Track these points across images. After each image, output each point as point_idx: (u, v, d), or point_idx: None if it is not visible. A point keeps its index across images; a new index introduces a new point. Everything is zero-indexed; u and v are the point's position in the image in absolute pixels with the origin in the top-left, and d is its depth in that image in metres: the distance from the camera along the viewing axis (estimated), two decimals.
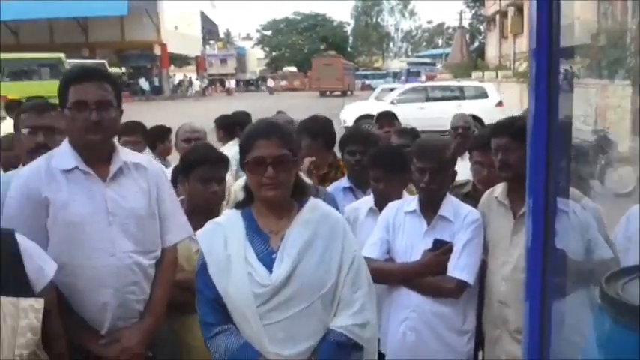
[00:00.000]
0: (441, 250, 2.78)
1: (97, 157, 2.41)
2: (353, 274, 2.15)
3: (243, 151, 2.15)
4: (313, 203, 2.24)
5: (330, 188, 3.61)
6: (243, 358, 2.05)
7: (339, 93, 40.61)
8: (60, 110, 2.41)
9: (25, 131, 2.68)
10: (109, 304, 2.35)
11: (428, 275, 2.78)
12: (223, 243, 2.14)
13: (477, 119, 17.41)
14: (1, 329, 1.53)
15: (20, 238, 2.01)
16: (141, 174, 2.51)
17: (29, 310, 1.58)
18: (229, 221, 2.21)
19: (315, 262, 2.10)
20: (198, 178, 2.88)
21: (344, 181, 3.69)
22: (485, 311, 2.84)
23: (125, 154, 2.51)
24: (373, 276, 2.30)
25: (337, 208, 3.24)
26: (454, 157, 2.93)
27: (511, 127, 2.74)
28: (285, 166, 2.11)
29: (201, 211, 2.87)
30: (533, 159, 1.31)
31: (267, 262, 2.11)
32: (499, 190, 2.85)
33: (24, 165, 2.59)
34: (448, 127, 5.39)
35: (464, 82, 19.79)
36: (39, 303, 1.61)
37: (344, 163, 3.78)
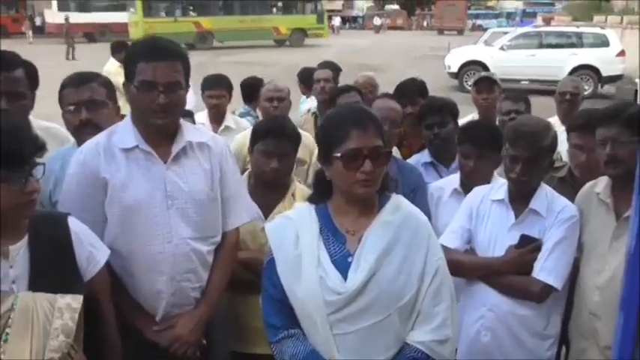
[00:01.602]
0: (528, 247, 2.51)
1: (159, 137, 2.30)
2: (435, 286, 1.93)
3: (332, 141, 1.89)
4: (396, 202, 2.00)
5: (410, 162, 3.38)
6: None
7: (455, 32, 42.20)
8: (126, 84, 2.26)
9: (69, 108, 2.57)
10: (164, 291, 2.29)
11: (510, 274, 2.52)
12: (294, 240, 1.95)
13: (594, 70, 16.40)
14: (33, 329, 1.48)
15: (72, 222, 1.97)
16: (204, 154, 2.38)
17: (65, 310, 1.53)
18: (301, 216, 2.01)
19: (395, 271, 1.89)
20: (260, 151, 2.74)
21: (424, 155, 3.46)
22: (574, 320, 2.57)
23: (190, 133, 2.37)
24: (450, 268, 2.06)
25: (424, 186, 3.05)
26: (553, 145, 2.59)
27: (622, 115, 2.37)
28: (382, 160, 1.88)
29: (263, 187, 2.77)
30: None
31: (342, 266, 1.90)
32: (602, 185, 2.51)
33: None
34: (559, 78, 4.97)
35: (582, 28, 18.25)
36: (76, 301, 1.55)
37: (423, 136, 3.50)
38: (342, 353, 1.88)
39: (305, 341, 1.93)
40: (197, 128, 2.49)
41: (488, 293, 2.56)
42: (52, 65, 12.01)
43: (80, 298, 1.56)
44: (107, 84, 2.64)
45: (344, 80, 5.40)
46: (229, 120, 4.72)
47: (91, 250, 1.98)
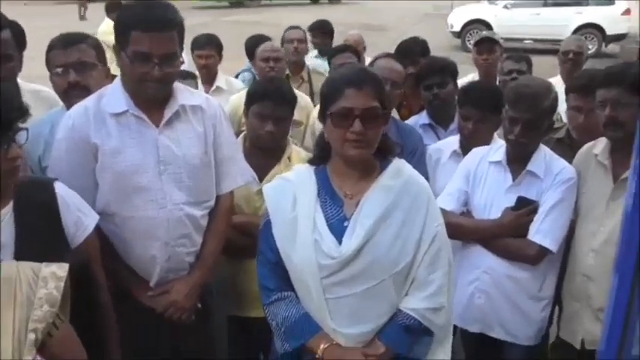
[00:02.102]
0: (525, 210, 2.49)
1: (151, 101, 2.23)
2: (432, 253, 1.88)
3: (327, 99, 1.86)
4: (397, 166, 1.95)
5: (408, 123, 3.33)
6: (301, 330, 1.88)
7: None
8: (116, 49, 2.16)
9: (56, 70, 2.47)
10: (158, 257, 2.27)
11: (506, 236, 2.51)
12: (292, 203, 1.91)
13: (598, 28, 16.13)
14: (16, 299, 1.45)
15: (59, 187, 1.92)
16: (197, 117, 2.32)
17: (49, 279, 1.49)
18: (300, 178, 1.96)
19: (391, 237, 1.84)
20: (255, 114, 2.68)
21: (423, 117, 3.40)
22: (567, 282, 2.56)
23: (183, 96, 2.30)
24: (446, 231, 2.01)
25: (423, 148, 3.01)
26: (553, 107, 2.53)
27: (624, 77, 2.32)
28: (375, 121, 1.82)
29: (258, 150, 2.72)
30: None
31: (338, 230, 1.86)
32: (600, 146, 2.47)
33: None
34: (563, 37, 4.87)
35: None
36: (62, 269, 1.51)
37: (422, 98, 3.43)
38: (335, 318, 1.86)
39: (298, 304, 1.92)
40: (190, 90, 2.42)
41: (483, 255, 2.55)
42: (60, 25, 11.78)
43: (66, 266, 1.53)
44: (96, 45, 2.56)
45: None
46: (221, 80, 4.65)
47: (79, 216, 1.95)
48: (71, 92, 2.44)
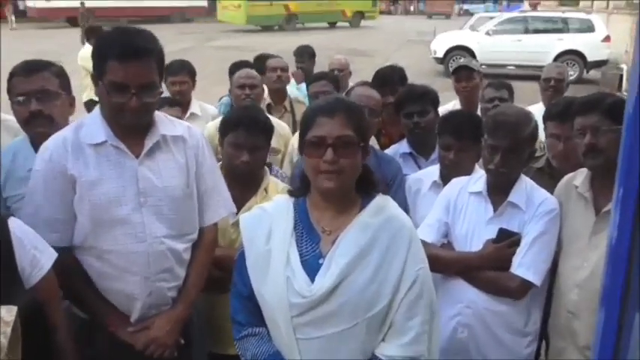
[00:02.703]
0: (507, 242, 2.42)
1: (131, 131, 2.16)
2: (412, 298, 1.77)
3: (303, 130, 1.82)
4: (380, 203, 1.86)
5: (388, 152, 3.27)
6: None
7: (443, 16, 43.35)
8: (94, 78, 2.12)
9: (17, 99, 2.40)
10: (138, 293, 2.19)
11: (488, 269, 2.44)
12: (266, 235, 1.83)
13: (580, 55, 16.35)
14: None
15: (14, 224, 1.84)
16: (179, 147, 2.26)
17: None
18: (278, 209, 1.88)
19: (367, 278, 1.74)
20: (230, 143, 2.63)
21: (403, 145, 3.34)
22: (552, 319, 2.49)
23: (164, 126, 2.24)
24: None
25: (402, 178, 2.95)
26: (534, 135, 2.49)
27: (602, 104, 2.29)
28: (349, 150, 1.74)
29: (234, 181, 2.64)
30: (631, 128, 1.01)
31: (313, 267, 1.78)
32: (580, 178, 2.42)
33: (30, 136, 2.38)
34: (545, 63, 4.90)
35: (568, 14, 18.19)
36: (10, 313, 1.41)
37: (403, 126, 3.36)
38: (305, 359, 1.77)
39: (269, 342, 1.84)
40: (172, 120, 2.36)
41: (465, 289, 2.47)
42: (63, 51, 11.68)
43: (14, 309, 1.43)
44: (60, 73, 2.49)
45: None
46: (195, 107, 4.58)
47: (35, 254, 1.86)
48: (33, 122, 2.37)
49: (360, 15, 33.42)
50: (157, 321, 2.22)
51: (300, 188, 1.92)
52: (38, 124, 2.35)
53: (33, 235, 1.90)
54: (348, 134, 1.75)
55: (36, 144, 2.37)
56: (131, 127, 2.14)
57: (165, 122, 2.28)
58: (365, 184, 1.87)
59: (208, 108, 4.72)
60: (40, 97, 2.38)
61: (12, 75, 2.43)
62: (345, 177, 1.77)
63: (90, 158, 2.12)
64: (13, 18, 31.13)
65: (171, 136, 2.25)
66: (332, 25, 32.35)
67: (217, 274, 2.53)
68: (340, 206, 1.84)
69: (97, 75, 2.08)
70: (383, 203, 1.88)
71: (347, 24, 32.62)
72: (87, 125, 2.17)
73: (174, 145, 2.25)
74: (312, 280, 1.76)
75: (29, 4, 33.06)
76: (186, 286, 2.29)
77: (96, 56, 2.09)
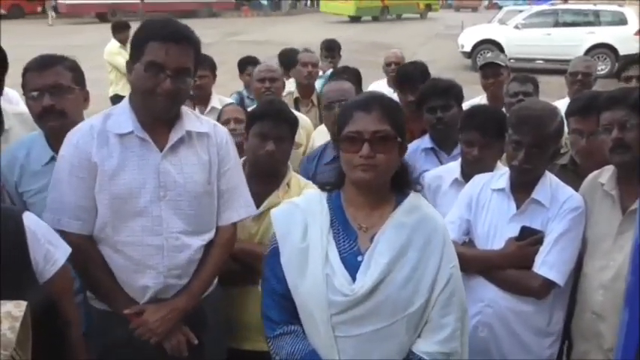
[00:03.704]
0: (529, 240, 2.37)
1: (157, 124, 2.17)
2: (446, 295, 1.80)
3: (339, 125, 1.83)
4: (413, 202, 1.87)
5: (409, 147, 3.21)
6: None
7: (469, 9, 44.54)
8: (129, 64, 2.15)
9: (31, 94, 2.41)
10: (150, 287, 2.19)
11: (510, 268, 2.39)
12: (302, 231, 1.83)
13: (611, 48, 16.03)
14: None
15: (28, 219, 1.84)
16: (203, 144, 2.26)
17: (4, 319, 1.38)
18: (311, 205, 1.88)
19: (406, 276, 1.77)
20: (256, 133, 2.62)
21: (425, 141, 3.29)
22: (576, 320, 2.43)
23: (190, 122, 2.25)
24: None
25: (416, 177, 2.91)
26: (559, 131, 2.43)
27: (629, 98, 2.23)
28: (386, 145, 1.76)
29: (258, 173, 2.64)
30: None
31: (352, 264, 1.78)
32: (606, 175, 2.36)
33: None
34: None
35: (600, 6, 17.82)
36: (19, 308, 1.41)
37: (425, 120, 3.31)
38: (344, 358, 1.77)
39: (304, 340, 1.83)
40: (198, 117, 2.37)
41: (486, 288, 2.43)
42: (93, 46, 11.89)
43: (24, 304, 1.43)
44: (74, 68, 2.50)
45: (362, 57, 5.41)
46: (215, 101, 4.56)
47: (49, 249, 1.87)
48: (46, 116, 2.39)
49: (428, 7, 37.10)
50: (151, 306, 2.20)
51: (334, 183, 1.91)
52: (51, 119, 2.37)
53: (47, 230, 1.91)
54: (385, 129, 1.77)
55: (50, 139, 2.39)
56: (159, 114, 2.15)
57: (192, 118, 2.29)
58: (400, 181, 1.88)
59: (228, 102, 4.73)
60: (54, 92, 2.39)
61: (26, 70, 2.45)
62: (380, 171, 1.78)
63: (114, 148, 2.14)
64: (53, 14, 31.54)
65: (197, 133, 2.25)
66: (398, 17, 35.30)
67: (236, 268, 2.54)
68: (375, 202, 1.85)
69: (134, 59, 2.10)
70: (416, 202, 1.90)
71: (416, 15, 36.15)
72: (115, 115, 2.20)
73: (199, 141, 2.26)
74: (353, 277, 1.77)
75: (60, 0, 33.51)
76: (193, 280, 2.26)
77: (136, 40, 2.12)
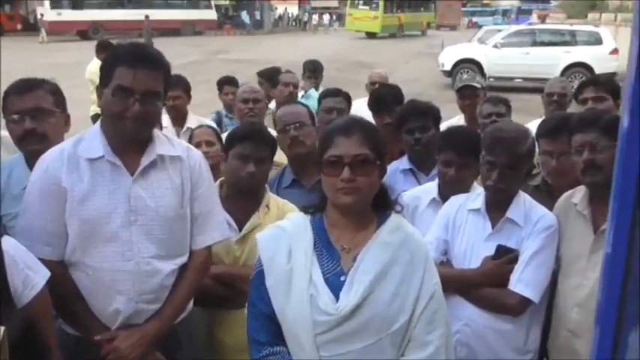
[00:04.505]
0: (505, 258, 2.41)
1: (128, 147, 2.18)
2: (430, 312, 1.83)
3: (321, 149, 1.86)
4: (396, 222, 1.91)
5: (388, 169, 3.26)
6: None
7: (448, 28, 48.03)
8: (99, 89, 2.17)
9: (12, 117, 2.42)
10: (121, 312, 2.18)
11: (487, 286, 2.43)
12: (287, 254, 1.85)
13: (587, 67, 16.31)
14: None
15: (7, 243, 1.85)
16: (176, 168, 2.26)
17: None
18: (296, 228, 1.90)
19: (390, 294, 1.79)
20: (236, 155, 2.62)
21: (403, 162, 3.33)
22: (552, 338, 2.47)
23: (162, 146, 2.25)
24: None
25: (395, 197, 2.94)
26: (531, 151, 2.49)
27: (600, 121, 2.29)
28: (366, 169, 1.79)
29: (238, 194, 2.65)
30: (627, 140, 1.00)
31: (335, 284, 1.81)
32: (579, 196, 2.42)
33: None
34: (553, 75, 4.92)
35: (576, 26, 18.21)
36: None
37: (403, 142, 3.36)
38: None
39: None
40: (171, 140, 2.37)
41: (464, 307, 2.46)
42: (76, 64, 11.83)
43: (1, 329, 1.44)
44: (55, 91, 2.52)
45: (344, 76, 5.43)
46: (191, 121, 4.55)
47: (28, 273, 1.87)
48: (26, 139, 2.39)
49: (428, 25, 42.87)
50: (123, 332, 2.18)
51: (317, 206, 1.94)
52: (31, 142, 2.37)
53: (26, 254, 1.90)
54: (365, 152, 1.80)
55: (30, 162, 2.39)
56: (129, 139, 2.15)
57: (164, 142, 2.29)
58: (380, 202, 1.91)
59: (204, 122, 4.72)
60: (35, 115, 2.40)
61: (7, 94, 2.46)
62: (362, 194, 1.81)
63: (84, 172, 2.14)
64: (45, 33, 31.25)
65: (169, 156, 2.26)
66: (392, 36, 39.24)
67: (221, 291, 2.54)
68: (357, 223, 1.87)
69: (104, 83, 2.11)
70: (398, 222, 1.92)
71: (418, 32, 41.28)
72: (86, 139, 2.20)
73: (172, 164, 2.26)
74: (336, 297, 1.79)
75: (42, 18, 33.29)
76: (166, 304, 2.26)
77: (105, 65, 2.13)
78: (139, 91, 2.07)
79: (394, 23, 38.70)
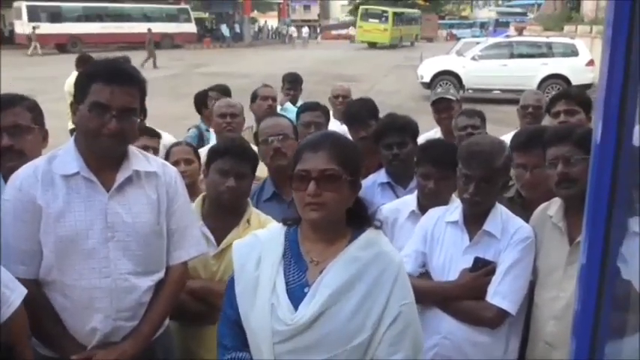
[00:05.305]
0: (482, 271, 2.43)
1: (104, 163, 2.16)
2: (394, 333, 1.78)
3: (293, 164, 1.88)
4: (370, 238, 1.88)
5: (365, 182, 3.27)
6: None
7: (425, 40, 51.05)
8: (73, 105, 2.14)
9: None
10: (98, 330, 2.15)
11: (465, 298, 2.43)
12: (256, 262, 1.86)
13: (564, 79, 16.55)
14: None
15: None
16: (152, 183, 2.25)
17: None
18: (269, 238, 1.92)
19: (351, 310, 1.76)
20: (217, 170, 2.62)
21: (381, 175, 3.34)
22: (530, 350, 2.47)
23: (138, 162, 2.24)
24: None
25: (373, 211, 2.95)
26: (507, 164, 2.51)
27: (574, 134, 2.33)
28: (333, 184, 1.78)
29: (219, 209, 2.64)
30: (599, 152, 1.01)
31: (298, 296, 1.80)
32: (554, 208, 2.44)
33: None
34: (531, 87, 4.96)
35: (552, 38, 18.48)
36: None
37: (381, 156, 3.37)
38: None
39: None
40: (146, 156, 2.36)
41: (442, 320, 2.46)
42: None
43: None
44: (33, 107, 2.49)
45: (324, 89, 5.41)
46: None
47: (4, 292, 1.84)
48: (4, 156, 2.36)
49: (416, 37, 47.81)
50: (100, 352, 2.15)
51: (294, 218, 1.94)
52: (8, 159, 2.35)
53: (2, 272, 1.88)
54: (332, 168, 1.79)
55: (7, 179, 2.35)
56: (105, 155, 2.14)
57: (140, 158, 2.28)
58: (356, 217, 1.90)
59: (166, 137, 4.38)
60: (12, 132, 2.38)
61: None
62: (328, 209, 1.79)
63: (59, 189, 2.12)
64: (38, 45, 30.87)
65: (145, 172, 2.25)
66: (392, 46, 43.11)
67: (197, 306, 2.52)
68: (329, 238, 1.87)
69: (79, 100, 2.09)
70: (374, 238, 1.90)
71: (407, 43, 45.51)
72: (60, 156, 2.18)
73: (147, 181, 2.25)
74: (296, 308, 1.79)
75: (18, 30, 33.03)
76: (143, 322, 2.23)
77: (81, 81, 2.12)
78: (115, 107, 2.06)
79: (397, 35, 43.67)
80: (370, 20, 42.65)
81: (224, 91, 5.34)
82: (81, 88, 2.10)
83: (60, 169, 2.14)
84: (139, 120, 2.23)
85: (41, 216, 2.10)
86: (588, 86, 16.67)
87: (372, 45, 42.07)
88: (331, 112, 5.35)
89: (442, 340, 2.45)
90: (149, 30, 28.35)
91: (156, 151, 3.40)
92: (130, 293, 2.17)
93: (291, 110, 5.24)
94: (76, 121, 2.14)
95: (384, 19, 42.56)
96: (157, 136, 3.75)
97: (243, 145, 2.75)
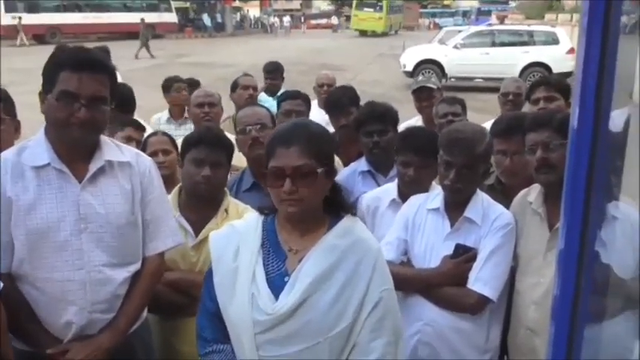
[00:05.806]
0: (463, 257, 2.43)
1: (75, 154, 2.11)
2: (375, 319, 1.79)
3: (267, 158, 1.84)
4: (347, 225, 1.87)
5: (346, 170, 3.26)
6: None
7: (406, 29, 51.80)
8: (41, 94, 2.08)
9: None
10: (74, 323, 2.11)
11: (446, 285, 2.44)
12: (234, 252, 1.85)
13: (545, 67, 16.64)
14: None
15: None
16: (125, 174, 2.21)
17: None
18: (247, 228, 1.90)
19: (331, 298, 1.76)
20: (191, 159, 2.58)
21: (362, 163, 3.32)
22: (511, 336, 2.49)
23: (110, 151, 2.20)
24: None
25: (354, 200, 2.94)
26: (488, 151, 2.51)
27: (553, 120, 2.33)
28: (308, 179, 1.76)
29: (195, 200, 2.60)
30: (577, 138, 1.01)
31: (278, 285, 1.79)
32: (534, 194, 2.44)
33: None
34: (513, 75, 4.98)
35: (534, 27, 18.59)
36: None
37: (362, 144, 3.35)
38: None
39: (233, 359, 1.83)
40: (119, 145, 2.32)
41: (424, 307, 2.46)
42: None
43: None
44: (4, 98, 2.45)
45: (308, 79, 5.37)
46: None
47: None
48: None
49: (400, 24, 48.88)
50: (76, 345, 2.12)
51: (270, 207, 1.92)
52: None
53: None
54: (306, 163, 1.76)
55: None
56: (76, 145, 2.10)
57: (112, 147, 2.24)
58: (334, 204, 1.88)
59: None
60: None
61: None
62: (306, 203, 1.79)
63: (30, 181, 2.07)
64: (24, 36, 30.36)
65: (118, 162, 2.21)
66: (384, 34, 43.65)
67: (177, 298, 2.50)
68: (306, 227, 1.86)
69: (47, 89, 2.04)
70: (351, 225, 1.89)
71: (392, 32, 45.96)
72: (30, 147, 2.13)
73: (121, 171, 2.21)
74: (277, 297, 1.77)
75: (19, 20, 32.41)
76: (119, 315, 2.20)
77: (48, 70, 2.06)
78: (84, 95, 2.01)
79: (389, 23, 44.84)
80: (365, 9, 43.41)
81: (194, 84, 5.33)
82: (48, 77, 2.05)
83: (30, 161, 2.09)
84: (109, 108, 2.18)
85: (11, 209, 2.05)
86: (569, 74, 16.72)
87: (363, 33, 43.19)
88: (316, 101, 5.36)
89: (424, 327, 2.45)
90: (142, 20, 28.10)
91: (139, 144, 3.36)
92: (105, 285, 2.14)
93: (265, 100, 5.19)
94: (44, 110, 2.09)
95: (378, 7, 43.44)
96: (143, 129, 3.69)
97: (217, 134, 2.72)
